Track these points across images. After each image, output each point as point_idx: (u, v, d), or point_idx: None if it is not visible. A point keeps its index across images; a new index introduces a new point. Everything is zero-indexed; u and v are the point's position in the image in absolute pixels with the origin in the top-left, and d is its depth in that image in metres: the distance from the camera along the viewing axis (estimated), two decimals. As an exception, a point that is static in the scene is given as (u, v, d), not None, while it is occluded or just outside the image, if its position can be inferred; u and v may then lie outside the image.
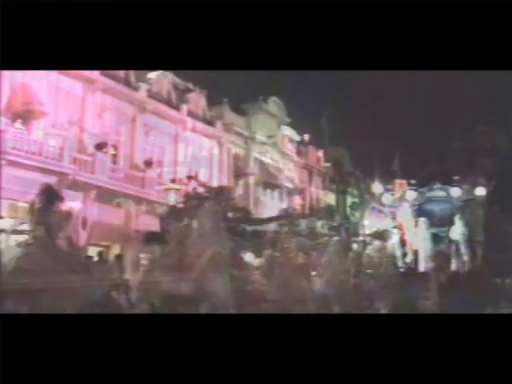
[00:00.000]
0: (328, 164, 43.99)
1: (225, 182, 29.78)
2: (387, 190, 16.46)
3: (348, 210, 42.94)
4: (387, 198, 16.19)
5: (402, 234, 14.89)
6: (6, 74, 19.56)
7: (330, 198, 44.32)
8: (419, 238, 14.66)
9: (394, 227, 15.04)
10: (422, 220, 15.15)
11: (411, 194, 15.66)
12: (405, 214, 15.25)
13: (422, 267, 14.32)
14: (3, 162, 18.58)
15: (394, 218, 15.47)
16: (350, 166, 46.85)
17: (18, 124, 20.20)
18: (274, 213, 30.94)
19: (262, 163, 35.72)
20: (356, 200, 44.62)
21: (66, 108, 22.72)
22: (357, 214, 25.58)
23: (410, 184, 16.57)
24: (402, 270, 14.84)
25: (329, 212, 37.51)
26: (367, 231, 18.59)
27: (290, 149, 39.33)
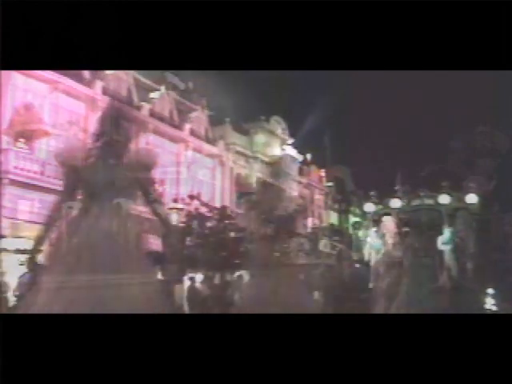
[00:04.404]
0: (330, 183, 44.01)
1: (227, 202, 29.75)
2: (370, 198, 15.45)
3: (351, 229, 42.81)
4: (369, 207, 15.02)
5: (387, 245, 14.12)
6: (8, 94, 19.72)
7: (333, 217, 44.26)
8: (404, 250, 13.88)
9: (379, 237, 14.28)
10: (407, 230, 14.22)
11: (396, 203, 14.51)
12: (389, 223, 14.21)
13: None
14: (5, 180, 18.62)
15: (377, 229, 14.50)
16: (352, 185, 46.85)
17: (21, 143, 20.28)
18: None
19: (263, 182, 35.66)
20: (358, 219, 44.54)
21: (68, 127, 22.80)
22: (360, 233, 25.29)
23: (396, 191, 15.57)
24: None
25: (331, 231, 37.45)
26: (369, 250, 18.03)
27: (292, 168, 39.35)
